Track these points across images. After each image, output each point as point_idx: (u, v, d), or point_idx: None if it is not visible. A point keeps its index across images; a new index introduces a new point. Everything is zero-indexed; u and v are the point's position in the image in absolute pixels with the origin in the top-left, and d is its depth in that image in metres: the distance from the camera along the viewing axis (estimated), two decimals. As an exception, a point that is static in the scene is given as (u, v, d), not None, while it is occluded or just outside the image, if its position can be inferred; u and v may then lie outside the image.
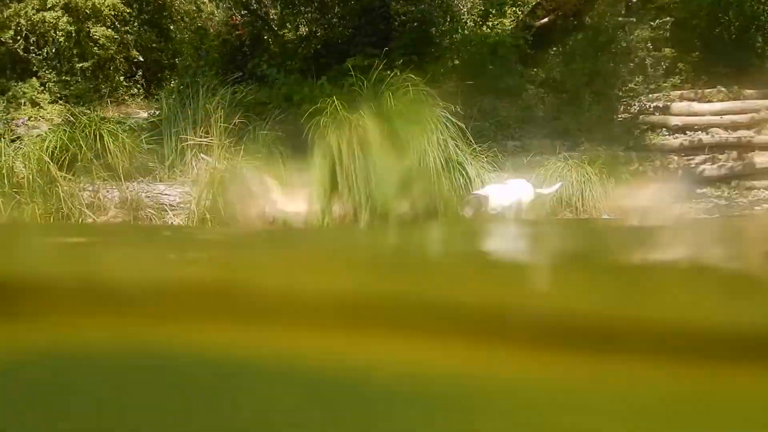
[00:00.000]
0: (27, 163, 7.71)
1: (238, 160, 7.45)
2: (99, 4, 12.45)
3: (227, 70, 9.78)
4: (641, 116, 10.07)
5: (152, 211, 7.32)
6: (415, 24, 9.94)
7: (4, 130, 10.51)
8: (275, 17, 10.43)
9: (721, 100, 10.95)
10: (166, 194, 7.61)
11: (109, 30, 12.57)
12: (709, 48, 12.26)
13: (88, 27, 12.51)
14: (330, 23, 9.74)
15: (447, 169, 7.26)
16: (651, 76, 10.33)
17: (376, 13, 9.85)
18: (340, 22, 9.65)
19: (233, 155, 7.85)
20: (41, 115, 11.90)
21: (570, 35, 10.49)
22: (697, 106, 10.69)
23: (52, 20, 12.10)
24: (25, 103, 11.94)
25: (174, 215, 7.32)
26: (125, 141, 7.79)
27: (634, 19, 10.34)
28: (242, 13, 10.03)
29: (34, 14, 12.26)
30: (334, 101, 7.34)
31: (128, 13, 13.03)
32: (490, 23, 10.23)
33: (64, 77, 12.34)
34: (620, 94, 9.93)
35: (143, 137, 7.92)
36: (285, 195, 7.62)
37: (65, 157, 7.72)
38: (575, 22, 10.34)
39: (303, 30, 10.31)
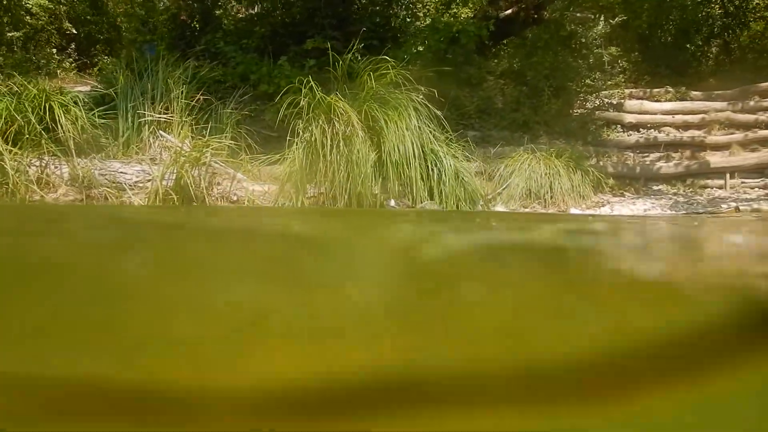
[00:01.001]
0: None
1: (202, 139, 7.04)
2: (33, -30, 11.75)
3: (176, 46, 9.32)
4: (597, 112, 10.14)
5: (108, 190, 6.83)
6: (377, 8, 9.70)
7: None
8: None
9: (669, 100, 11.17)
10: (122, 172, 7.13)
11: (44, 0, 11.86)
12: (650, 48, 12.52)
13: (21, -6, 11.78)
14: (288, 2, 9.39)
15: (422, 157, 7.05)
16: (608, 73, 10.42)
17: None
18: (297, 1, 9.31)
19: (195, 133, 7.45)
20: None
21: (529, 28, 10.45)
22: (648, 105, 10.87)
23: (-19, -15, 11.32)
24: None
25: (133, 194, 6.85)
26: (77, 114, 7.26)
27: (593, 16, 10.41)
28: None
29: (-39, -23, 11.44)
30: (310, 82, 6.99)
31: (63, -18, 12.35)
32: (452, 11, 10.11)
33: (-7, 46, 11.57)
34: (577, 89, 9.96)
35: (96, 111, 7.38)
36: (250, 175, 7.30)
37: (10, 130, 7.15)
38: (535, 16, 10.31)
39: (257, 8, 9.93)
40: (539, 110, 9.62)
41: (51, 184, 7.20)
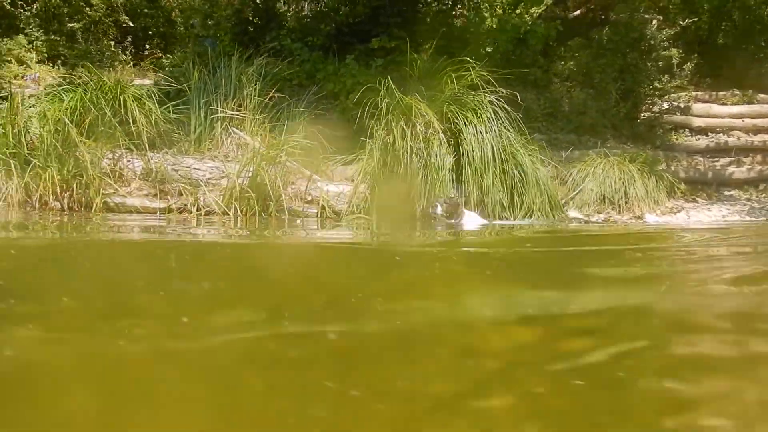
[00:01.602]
0: (44, 123, 7.07)
1: (279, 137, 6.95)
2: (92, -39, 11.70)
3: (240, 42, 9.22)
4: (665, 116, 9.92)
5: (184, 186, 6.76)
6: (443, 7, 9.55)
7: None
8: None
9: (736, 103, 10.91)
10: (195, 168, 7.06)
11: (104, -10, 11.82)
12: (710, 50, 12.25)
13: (81, -16, 11.73)
14: (353, 1, 9.25)
15: (502, 161, 6.91)
16: (676, 76, 10.19)
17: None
18: (362, 0, 9.17)
19: (267, 131, 7.37)
20: (29, 74, 11.12)
21: (594, 29, 10.24)
22: (716, 108, 10.62)
23: (44, -25, 11.27)
24: (10, 60, 11.11)
25: (208, 191, 6.78)
26: (151, 108, 7.20)
27: (661, 17, 10.18)
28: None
29: (23, -33, 11.40)
30: (389, 83, 6.87)
31: (121, -27, 12.27)
32: (518, 11, 9.93)
33: (52, 37, 11.54)
34: (646, 92, 9.74)
35: (170, 106, 7.31)
36: (323, 175, 7.19)
37: (84, 122, 7.11)
38: (602, 17, 10.12)
39: (321, 6, 9.81)
40: (607, 113, 9.42)
41: (124, 178, 7.16)
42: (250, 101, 7.31)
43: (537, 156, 7.33)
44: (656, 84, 9.81)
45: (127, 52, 12.04)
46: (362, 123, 8.12)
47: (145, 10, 12.43)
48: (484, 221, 6.78)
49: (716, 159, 9.73)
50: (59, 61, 10.48)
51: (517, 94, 7.11)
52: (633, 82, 9.55)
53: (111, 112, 7.06)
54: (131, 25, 12.24)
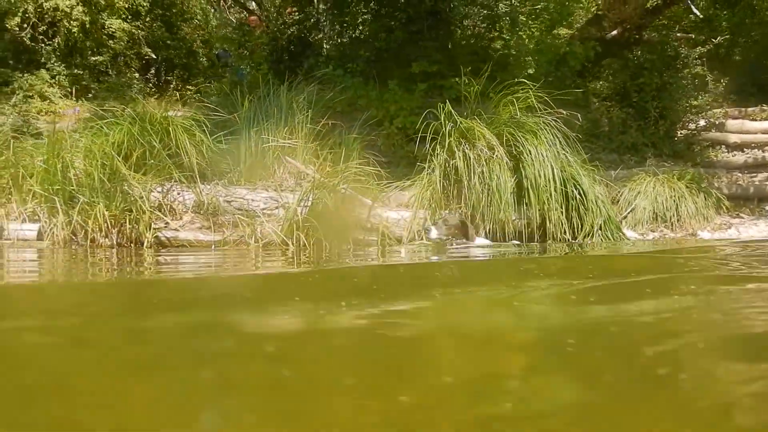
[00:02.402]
0: (90, 159, 6.89)
1: (338, 166, 6.80)
2: (115, -7, 11.63)
3: (276, 70, 9.13)
4: (702, 133, 9.87)
5: (241, 217, 6.59)
6: (481, 30, 9.49)
7: (22, 124, 9.62)
8: (326, 18, 9.81)
9: (766, 119, 10.88)
10: (249, 199, 6.89)
11: (125, 23, 11.73)
12: (732, 66, 12.26)
13: (103, 19, 11.64)
14: (389, 27, 9.17)
15: (562, 182, 6.78)
16: (711, 93, 10.17)
17: (440, 17, 9.35)
18: (400, 25, 9.10)
19: (320, 159, 7.24)
20: (52, 109, 10.99)
21: (628, 49, 10.21)
22: (749, 124, 10.58)
23: (66, 9, 11.16)
24: (33, 95, 10.98)
25: (266, 221, 6.61)
26: (203, 140, 7.06)
27: (693, 36, 10.16)
28: (294, 10, 9.35)
29: (45, 1, 11.29)
30: (447, 107, 6.75)
31: (143, 6, 12.20)
32: (554, 32, 9.89)
33: (75, 71, 11.43)
34: (683, 110, 9.69)
35: (220, 136, 7.17)
36: (382, 202, 7.04)
37: (132, 154, 6.95)
38: (636, 36, 10.08)
39: (357, 32, 9.72)
40: (646, 132, 9.36)
41: (174, 211, 6.98)
42: (302, 129, 7.17)
43: (594, 176, 7.20)
44: (692, 101, 9.77)
45: (150, 84, 11.94)
46: (410, 148, 8.02)
47: (168, 42, 12.33)
48: (489, 242, 6.57)
49: (754, 174, 9.68)
50: (89, 95, 10.33)
51: (579, 116, 6.99)
52: (670, 100, 9.50)
53: (160, 144, 6.90)
54: (153, 57, 12.15)
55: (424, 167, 7.14)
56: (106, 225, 6.61)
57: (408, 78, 8.98)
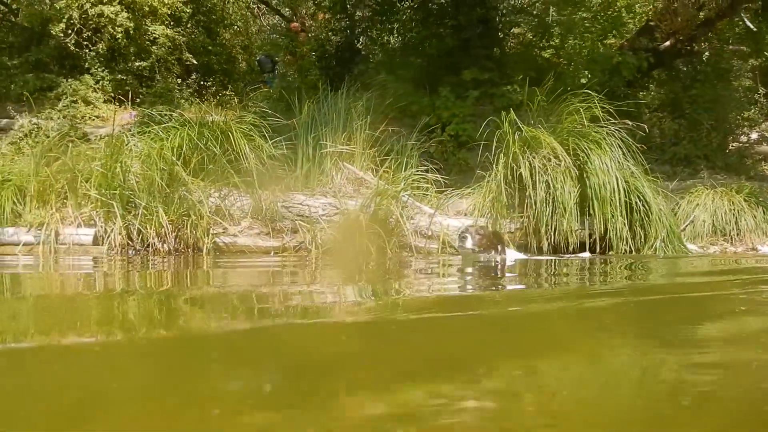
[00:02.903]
0: (149, 163, 6.84)
1: (394, 173, 6.72)
2: (158, 0, 11.63)
3: (325, 76, 9.07)
4: (754, 146, 9.74)
5: (302, 222, 6.52)
6: (533, 39, 9.41)
7: (69, 128, 9.60)
8: (373, 25, 9.77)
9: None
10: (306, 205, 6.82)
11: (168, 29, 11.73)
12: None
13: (147, 25, 11.64)
14: (439, 34, 9.11)
15: (626, 193, 6.67)
16: (764, 105, 10.03)
17: (489, 24, 9.29)
18: (450, 32, 9.03)
19: (378, 166, 7.18)
20: (96, 114, 10.99)
21: (678, 60, 10.10)
22: (796, 137, 10.46)
23: (111, 15, 11.16)
24: (77, 100, 10.98)
25: (324, 228, 6.54)
26: (261, 145, 7.00)
27: (746, 48, 10.04)
28: (338, 17, 9.31)
29: (90, 7, 11.30)
30: (510, 115, 6.67)
31: (185, 12, 12.21)
32: (607, 42, 9.81)
33: (119, 76, 11.43)
34: (736, 122, 9.57)
35: (277, 141, 7.11)
36: (441, 209, 6.95)
37: (190, 159, 6.91)
38: (687, 47, 9.96)
39: (406, 39, 9.66)
40: (698, 144, 9.23)
41: (232, 217, 6.91)
42: (360, 135, 7.10)
43: (656, 187, 7.09)
44: (745, 114, 9.65)
45: (191, 89, 11.93)
46: (462, 155, 7.94)
47: (209, 47, 12.32)
48: (522, 256, 6.25)
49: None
50: (137, 100, 10.31)
51: (645, 127, 6.89)
52: (723, 112, 9.38)
53: (219, 149, 6.86)
54: (194, 62, 12.14)
55: (482, 175, 7.05)
56: (163, 230, 6.56)
57: (458, 85, 8.91)
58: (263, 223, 6.82)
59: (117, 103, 11.16)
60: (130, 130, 7.59)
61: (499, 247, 5.79)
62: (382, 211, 6.45)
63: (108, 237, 6.68)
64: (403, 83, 8.74)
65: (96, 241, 6.95)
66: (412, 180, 6.78)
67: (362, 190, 7.08)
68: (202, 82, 12.05)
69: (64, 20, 11.35)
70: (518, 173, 6.56)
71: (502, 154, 6.68)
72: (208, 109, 10.55)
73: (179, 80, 11.74)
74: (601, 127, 6.93)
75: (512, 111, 6.75)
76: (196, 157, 6.87)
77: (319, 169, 7.14)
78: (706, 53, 9.86)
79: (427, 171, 7.00)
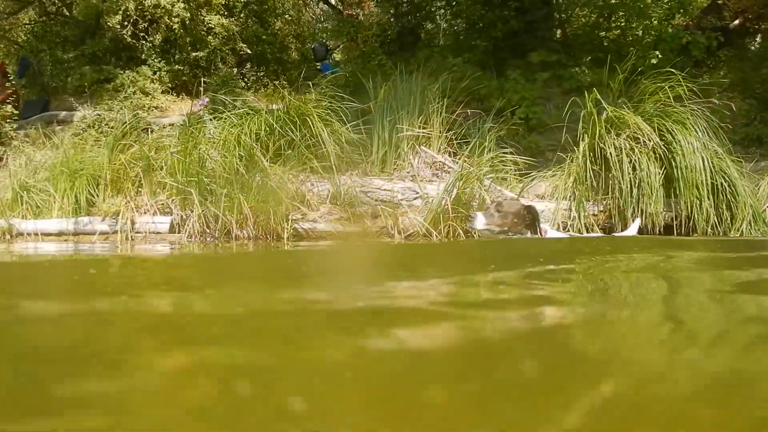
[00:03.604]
0: (227, 150, 6.82)
1: (472, 156, 6.62)
2: (213, -11, 11.64)
3: (393, 60, 9.00)
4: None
5: (384, 207, 6.46)
6: (600, 20, 9.26)
7: (133, 118, 9.61)
8: (436, 10, 9.68)
9: None
10: (386, 190, 6.76)
11: (225, 19, 11.73)
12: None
13: (202, 15, 11.65)
14: (504, 16, 8.99)
15: (711, 174, 6.52)
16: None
17: (553, 6, 9.16)
18: (515, 15, 8.91)
19: (455, 149, 7.10)
20: (154, 104, 11.02)
21: (747, 39, 9.90)
22: None
23: (167, 5, 11.17)
24: (135, 91, 11.02)
25: (404, 213, 6.47)
26: (338, 130, 6.95)
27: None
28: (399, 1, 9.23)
29: (146, -1, 11.34)
30: (594, 95, 6.55)
31: (239, 2, 12.20)
32: (673, 22, 9.62)
33: (176, 66, 11.45)
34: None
35: (353, 125, 7.05)
36: (519, 192, 6.86)
37: (269, 145, 6.88)
38: (756, 26, 9.75)
39: (471, 22, 9.55)
40: (770, 124, 9.01)
41: (309, 203, 6.87)
42: (437, 118, 7.03)
43: (740, 168, 6.93)
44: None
45: (252, 77, 11.93)
46: (532, 138, 7.83)
47: (263, 37, 12.30)
48: (563, 234, 5.73)
49: None
50: (200, 89, 10.30)
51: (732, 105, 6.73)
52: (795, 92, 9.16)
53: (297, 134, 6.82)
54: (248, 52, 12.13)
55: (562, 157, 6.95)
56: (242, 217, 6.53)
57: (524, 68, 8.79)
58: (342, 209, 6.77)
59: (175, 94, 11.20)
60: (202, 117, 7.57)
61: (535, 226, 5.10)
62: (466, 195, 6.36)
63: (186, 224, 6.68)
64: (471, 67, 8.64)
65: (172, 229, 6.97)
66: (493, 163, 6.68)
67: (442, 174, 7.01)
68: (255, 72, 12.05)
69: (120, 12, 11.40)
70: (602, 154, 6.44)
71: (586, 135, 6.55)
72: (275, 97, 10.55)
73: (234, 70, 11.73)
74: (683, 106, 6.78)
75: (595, 91, 6.62)
76: (274, 143, 6.84)
77: (396, 153, 7.06)
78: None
79: (505, 154, 6.89)
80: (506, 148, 7.20)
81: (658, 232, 6.54)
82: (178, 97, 11.10)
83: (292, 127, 6.77)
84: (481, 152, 6.68)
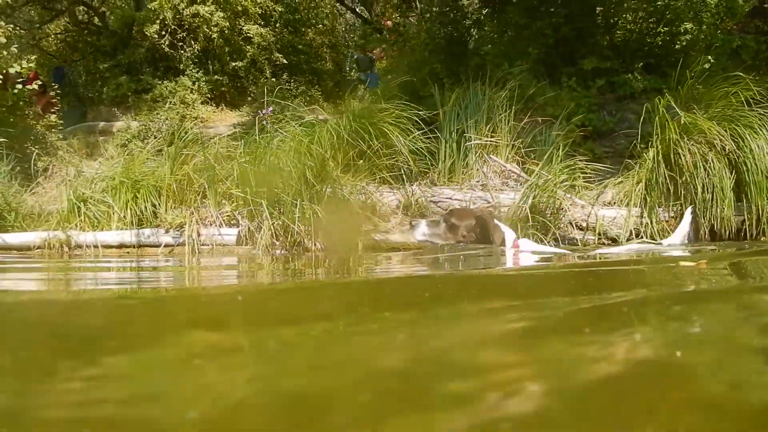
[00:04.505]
0: (297, 160, 6.81)
1: (541, 164, 6.64)
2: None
3: (432, 72, 9.01)
4: None
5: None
6: (651, 25, 9.28)
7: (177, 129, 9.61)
8: (485, 18, 9.68)
9: None
10: (456, 199, 6.78)
11: (263, 28, 11.74)
12: None
13: (240, 24, 11.66)
14: (555, 23, 8.99)
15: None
16: None
17: (603, 12, 9.19)
18: (566, 21, 8.92)
19: (523, 157, 7.12)
20: (194, 115, 11.02)
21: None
22: None
23: (206, 15, 11.18)
24: (173, 102, 11.02)
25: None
26: (409, 140, 6.96)
27: None
28: (445, 10, 9.25)
29: (184, 8, 11.33)
30: (667, 100, 6.57)
31: (276, 11, 12.22)
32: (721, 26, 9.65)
33: (215, 77, 11.45)
34: None
35: (419, 134, 7.06)
36: (594, 201, 6.87)
37: (337, 155, 6.88)
38: (801, 28, 9.80)
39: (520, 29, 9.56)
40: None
41: (379, 212, 6.87)
42: (504, 126, 7.04)
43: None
44: None
45: (300, 87, 11.95)
46: (588, 145, 7.84)
47: (299, 47, 12.32)
48: (547, 248, 5.11)
49: None
50: (248, 99, 10.34)
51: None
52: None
53: (368, 143, 6.82)
54: (284, 61, 12.14)
55: (630, 164, 6.98)
56: (312, 228, 6.51)
57: (576, 75, 8.82)
58: (413, 219, 6.76)
59: (214, 104, 11.20)
60: (265, 127, 7.54)
61: (496, 237, 4.51)
62: (542, 204, 6.38)
63: (258, 236, 6.64)
64: (525, 75, 8.65)
65: (240, 241, 6.91)
66: (565, 171, 6.69)
67: (509, 183, 7.03)
68: (291, 82, 12.07)
69: (158, 22, 11.40)
70: (674, 160, 6.47)
71: (657, 141, 6.57)
72: (329, 106, 10.53)
73: (274, 79, 11.74)
74: (751, 110, 6.80)
75: (668, 97, 6.64)
76: (343, 152, 6.84)
77: (464, 162, 7.07)
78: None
79: (579, 161, 6.88)
80: (573, 155, 7.21)
81: (728, 237, 6.56)
82: (218, 107, 11.10)
83: (365, 136, 6.76)
84: (549, 160, 6.69)
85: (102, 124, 11.11)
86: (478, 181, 7.02)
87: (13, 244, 7.69)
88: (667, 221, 6.70)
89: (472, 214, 4.82)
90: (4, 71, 9.02)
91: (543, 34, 8.94)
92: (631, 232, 6.60)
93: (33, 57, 9.17)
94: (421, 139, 7.12)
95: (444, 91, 7.51)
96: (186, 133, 9.34)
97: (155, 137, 9.53)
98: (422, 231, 4.66)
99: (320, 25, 13.50)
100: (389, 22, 11.75)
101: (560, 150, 6.89)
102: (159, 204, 7.45)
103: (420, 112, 7.17)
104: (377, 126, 6.83)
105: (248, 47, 11.59)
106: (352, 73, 11.78)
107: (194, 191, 7.32)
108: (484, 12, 9.51)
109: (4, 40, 8.98)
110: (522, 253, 4.54)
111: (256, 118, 7.51)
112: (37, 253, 7.38)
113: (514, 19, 9.07)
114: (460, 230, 4.54)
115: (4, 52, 9.04)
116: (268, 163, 6.84)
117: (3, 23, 9.17)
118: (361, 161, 6.78)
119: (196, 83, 11.29)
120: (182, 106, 10.93)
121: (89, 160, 9.83)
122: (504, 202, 6.62)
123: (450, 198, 6.82)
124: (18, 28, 9.61)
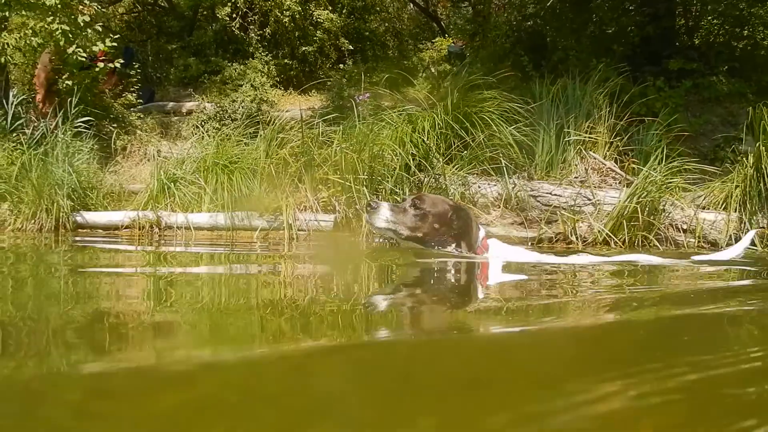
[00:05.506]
0: (401, 147, 6.85)
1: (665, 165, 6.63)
2: (321, -17, 11.72)
3: (516, 63, 9.04)
4: None
5: (566, 213, 6.51)
6: (735, 29, 9.31)
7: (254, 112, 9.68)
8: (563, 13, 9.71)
9: None
10: (556, 195, 6.81)
11: (332, 14, 11.79)
12: None
13: (311, 9, 11.71)
14: (640, 22, 9.02)
15: None
16: None
17: (687, 14, 9.21)
18: (651, 20, 8.94)
19: (621, 156, 7.16)
20: (265, 98, 11.06)
21: None
22: None
23: (280, -2, 11.25)
24: (243, 85, 11.07)
25: (584, 218, 6.53)
26: (508, 131, 6.99)
27: None
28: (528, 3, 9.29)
29: (256, -9, 11.41)
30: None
31: (344, -2, 12.29)
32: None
33: (284, 60, 11.51)
34: None
35: (518, 127, 7.07)
36: (694, 203, 6.90)
37: (439, 144, 6.92)
38: None
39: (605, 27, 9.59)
40: None
41: (477, 204, 6.91)
42: (604, 123, 7.08)
43: None
44: None
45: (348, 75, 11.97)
46: (672, 145, 7.87)
47: (366, 33, 12.36)
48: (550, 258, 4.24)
49: None
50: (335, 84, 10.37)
51: None
52: None
53: (477, 134, 6.85)
54: (350, 48, 12.18)
55: (728, 168, 7.01)
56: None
57: (659, 75, 8.83)
58: (515, 213, 6.82)
59: (282, 88, 11.26)
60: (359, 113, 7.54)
61: (468, 240, 3.82)
62: (648, 205, 6.42)
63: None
64: (612, 72, 8.68)
65: (336, 227, 6.95)
66: (672, 172, 6.71)
67: (608, 181, 7.06)
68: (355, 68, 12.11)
69: (230, 4, 11.46)
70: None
71: (762, 146, 6.58)
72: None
73: (342, 65, 11.80)
74: None
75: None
76: (447, 142, 6.89)
77: (562, 157, 7.11)
78: None
79: (682, 164, 6.88)
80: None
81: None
82: (286, 91, 11.16)
83: (467, 126, 6.80)
84: (656, 160, 6.71)
85: (171, 104, 11.16)
86: (576, 177, 7.06)
87: (99, 223, 7.76)
88: (762, 227, 6.73)
89: (445, 202, 4.10)
90: (88, 50, 9.08)
91: (625, 32, 8.97)
92: (731, 236, 6.62)
93: (115, 36, 9.22)
94: (520, 132, 7.14)
95: (533, 84, 7.52)
96: (263, 115, 9.40)
97: (232, 119, 9.58)
98: (384, 216, 3.81)
99: (384, 13, 13.55)
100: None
101: (663, 150, 6.90)
102: (252, 187, 7.48)
103: (518, 105, 7.19)
104: (479, 116, 6.85)
105: (317, 32, 11.64)
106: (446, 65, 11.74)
107: (290, 175, 7.34)
108: (566, 5, 9.52)
109: (88, 19, 9.03)
110: (495, 259, 3.87)
111: (355, 104, 7.50)
112: (125, 233, 7.45)
113: (598, 15, 9.08)
114: (431, 220, 3.81)
115: (89, 31, 9.10)
116: (372, 150, 6.85)
117: (88, 1, 9.22)
118: (465, 152, 6.81)
119: (266, 66, 11.34)
120: (251, 89, 10.97)
121: (164, 139, 9.89)
122: (606, 200, 6.65)
123: (550, 193, 6.85)
124: (101, 7, 9.63)
